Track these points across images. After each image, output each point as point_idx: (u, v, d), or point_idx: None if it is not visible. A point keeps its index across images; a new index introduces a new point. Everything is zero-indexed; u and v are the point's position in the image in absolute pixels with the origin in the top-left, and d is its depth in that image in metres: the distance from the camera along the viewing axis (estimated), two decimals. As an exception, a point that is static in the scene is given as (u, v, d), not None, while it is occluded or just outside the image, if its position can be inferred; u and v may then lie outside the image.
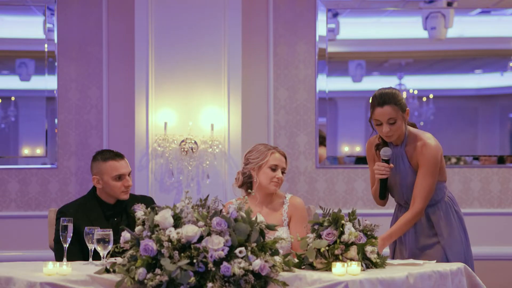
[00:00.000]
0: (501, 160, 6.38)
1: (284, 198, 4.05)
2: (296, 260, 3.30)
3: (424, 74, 6.52)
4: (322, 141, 6.35)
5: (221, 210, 3.07)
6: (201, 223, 3.00)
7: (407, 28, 6.50)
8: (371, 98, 3.83)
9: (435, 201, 3.90)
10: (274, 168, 3.99)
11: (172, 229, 2.99)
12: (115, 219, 4.11)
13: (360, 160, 6.36)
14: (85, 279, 3.01)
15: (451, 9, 6.40)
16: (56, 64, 6.27)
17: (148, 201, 4.12)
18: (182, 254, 2.93)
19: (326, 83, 6.36)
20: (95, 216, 4.07)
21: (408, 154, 3.84)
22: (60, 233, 3.51)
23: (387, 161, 3.80)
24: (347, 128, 6.44)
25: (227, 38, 5.85)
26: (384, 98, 3.74)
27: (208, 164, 5.80)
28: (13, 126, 6.37)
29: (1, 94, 6.36)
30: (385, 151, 3.80)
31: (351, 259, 3.17)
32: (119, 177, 4.09)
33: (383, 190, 3.85)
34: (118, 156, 4.14)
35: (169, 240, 2.95)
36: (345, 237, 3.20)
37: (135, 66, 5.87)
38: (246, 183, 4.06)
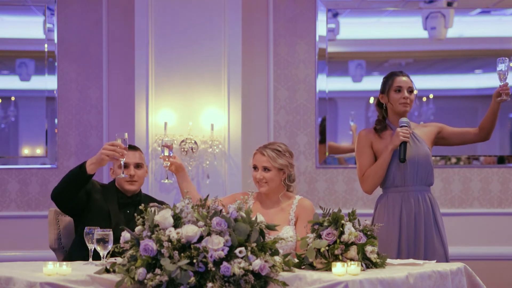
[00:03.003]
0: (501, 160, 6.38)
1: (293, 199, 4.06)
2: (296, 260, 3.29)
3: (424, 74, 6.52)
4: (322, 140, 6.35)
5: (221, 210, 3.07)
6: (201, 223, 3.00)
7: (407, 28, 6.49)
8: (386, 76, 4.24)
9: (433, 182, 4.22)
10: (254, 168, 4.04)
11: (172, 229, 2.98)
12: (128, 211, 4.15)
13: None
14: (85, 279, 3.01)
15: (451, 9, 6.40)
16: (56, 64, 6.27)
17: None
18: (182, 254, 2.93)
19: (326, 83, 6.36)
20: (112, 198, 4.18)
21: (418, 133, 4.21)
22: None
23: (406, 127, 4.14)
24: (347, 128, 6.44)
25: (227, 38, 5.85)
26: (404, 72, 4.22)
27: (208, 164, 5.80)
28: (13, 126, 6.37)
29: (1, 94, 6.36)
30: (404, 118, 4.15)
31: (351, 259, 3.17)
32: (124, 166, 4.15)
33: (405, 153, 4.08)
34: (129, 147, 4.21)
35: (169, 240, 2.95)
36: (345, 237, 3.20)
37: (135, 66, 5.87)
38: None
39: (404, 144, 4.06)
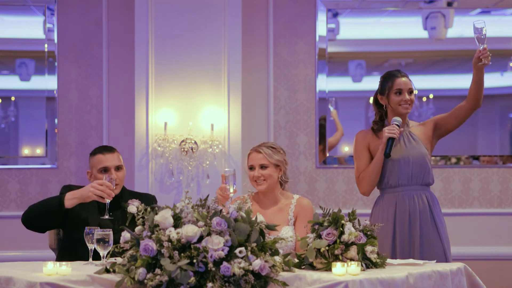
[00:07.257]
0: (501, 160, 6.38)
1: (292, 198, 4.06)
2: (296, 260, 3.30)
3: (424, 74, 6.52)
4: (322, 140, 6.35)
5: (221, 210, 3.07)
6: (201, 223, 3.00)
7: (407, 28, 6.49)
8: (383, 76, 4.19)
9: (431, 181, 4.18)
10: (251, 168, 4.04)
11: (172, 229, 2.98)
12: (111, 212, 4.11)
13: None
14: (85, 279, 3.01)
15: (451, 9, 6.40)
16: (56, 64, 6.27)
17: (150, 199, 4.13)
18: (182, 254, 2.93)
19: (326, 83, 6.36)
20: (91, 206, 4.09)
21: (416, 133, 4.19)
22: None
23: (397, 126, 4.11)
24: (347, 128, 6.44)
25: (227, 38, 5.85)
26: (402, 72, 4.18)
27: (208, 164, 5.80)
28: (13, 126, 6.36)
29: (1, 94, 6.36)
30: (396, 118, 4.11)
31: (351, 259, 3.17)
32: (104, 170, 4.13)
33: (390, 149, 4.05)
34: (106, 150, 4.19)
35: (169, 240, 2.95)
36: (345, 237, 3.20)
37: (135, 66, 5.87)
38: None
39: (391, 140, 4.05)
